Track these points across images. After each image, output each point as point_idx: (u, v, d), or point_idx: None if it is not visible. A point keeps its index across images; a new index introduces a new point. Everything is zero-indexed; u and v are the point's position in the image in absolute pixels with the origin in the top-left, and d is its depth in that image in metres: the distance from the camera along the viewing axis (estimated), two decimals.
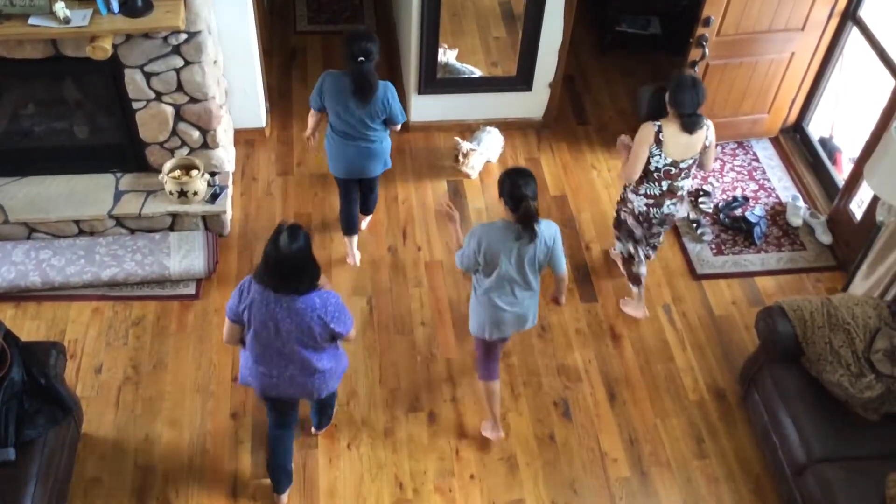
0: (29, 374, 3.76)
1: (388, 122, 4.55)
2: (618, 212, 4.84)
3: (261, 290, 3.33)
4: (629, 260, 4.86)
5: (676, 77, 4.24)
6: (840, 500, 3.71)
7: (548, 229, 3.80)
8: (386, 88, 4.40)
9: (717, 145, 6.06)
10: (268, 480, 4.12)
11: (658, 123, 4.29)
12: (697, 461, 4.36)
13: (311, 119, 4.69)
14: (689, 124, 4.22)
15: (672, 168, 4.35)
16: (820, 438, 3.95)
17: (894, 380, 3.96)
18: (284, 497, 4.05)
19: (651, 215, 4.56)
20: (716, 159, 5.99)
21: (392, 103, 4.44)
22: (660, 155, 4.30)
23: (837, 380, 4.00)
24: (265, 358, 3.50)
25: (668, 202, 4.51)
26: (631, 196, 4.58)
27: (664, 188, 4.43)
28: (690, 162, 4.37)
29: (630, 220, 4.68)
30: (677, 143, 4.28)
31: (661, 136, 4.27)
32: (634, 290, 4.89)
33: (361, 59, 4.17)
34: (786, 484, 4.08)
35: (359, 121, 4.43)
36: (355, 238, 5.10)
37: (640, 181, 4.45)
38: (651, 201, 4.49)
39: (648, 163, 4.35)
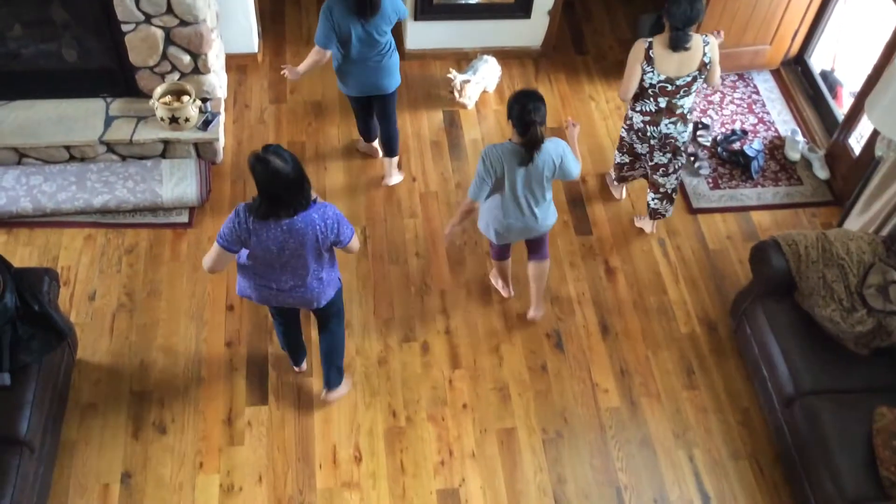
0: (22, 301, 3.75)
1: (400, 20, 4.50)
2: (623, 129, 4.82)
3: (259, 221, 3.31)
4: (621, 167, 4.94)
5: None
6: (827, 432, 3.77)
7: (555, 148, 3.84)
8: None
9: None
10: (264, 406, 4.16)
11: (650, 40, 4.26)
12: (687, 392, 4.41)
13: (313, 57, 4.45)
14: (675, 40, 4.17)
15: (667, 85, 4.32)
16: (809, 371, 3.99)
17: (885, 315, 3.99)
18: (304, 365, 4.32)
19: (648, 133, 4.54)
20: (715, 91, 5.91)
21: (396, 4, 4.37)
22: (652, 71, 4.28)
23: (829, 314, 4.03)
24: (265, 274, 3.55)
25: (665, 121, 4.46)
26: (630, 113, 4.58)
27: (661, 105, 4.40)
28: (688, 80, 4.31)
29: (629, 135, 4.69)
30: (670, 59, 4.24)
31: (651, 53, 4.24)
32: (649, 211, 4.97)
33: None
34: (774, 415, 4.15)
35: (370, 37, 4.34)
36: (376, 141, 5.19)
37: (637, 98, 4.45)
38: (647, 118, 4.48)
39: (643, 80, 4.33)
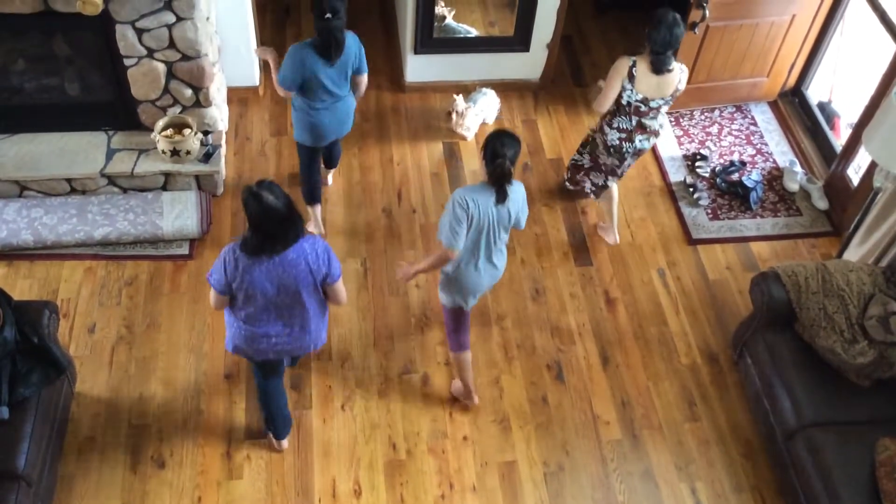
0: (21, 334, 3.74)
1: (356, 74, 4.47)
2: (591, 134, 4.88)
3: (251, 257, 3.29)
4: (578, 169, 5.02)
5: (659, 12, 4.26)
6: (830, 465, 3.74)
7: (519, 190, 3.78)
8: (354, 38, 4.35)
9: (716, 108, 6.03)
10: (262, 441, 4.14)
11: (634, 59, 4.35)
12: (689, 424, 4.39)
13: (282, 94, 4.45)
14: (656, 63, 4.29)
15: (641, 105, 4.41)
16: (811, 403, 3.97)
17: (887, 346, 3.98)
18: (285, 442, 4.10)
19: (623, 150, 4.63)
20: (714, 123, 5.95)
21: (361, 52, 4.39)
22: (631, 90, 4.38)
23: (830, 345, 4.02)
24: (262, 319, 3.47)
25: (639, 137, 4.58)
26: (605, 128, 4.64)
27: (634, 124, 4.50)
28: (661, 103, 4.43)
29: (600, 147, 4.76)
30: (648, 81, 4.34)
31: (633, 71, 4.32)
32: (606, 209, 5.09)
33: (329, 15, 4.09)
34: (776, 448, 4.12)
35: (331, 81, 4.34)
36: (319, 207, 5.01)
37: (614, 114, 4.53)
38: (623, 135, 4.57)
39: (621, 96, 4.42)
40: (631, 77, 4.35)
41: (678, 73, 4.37)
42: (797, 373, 4.07)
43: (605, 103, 4.48)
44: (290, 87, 4.33)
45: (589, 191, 5.10)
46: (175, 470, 4.04)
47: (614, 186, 4.97)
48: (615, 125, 4.57)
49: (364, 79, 4.53)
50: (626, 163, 4.77)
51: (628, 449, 4.27)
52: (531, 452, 4.23)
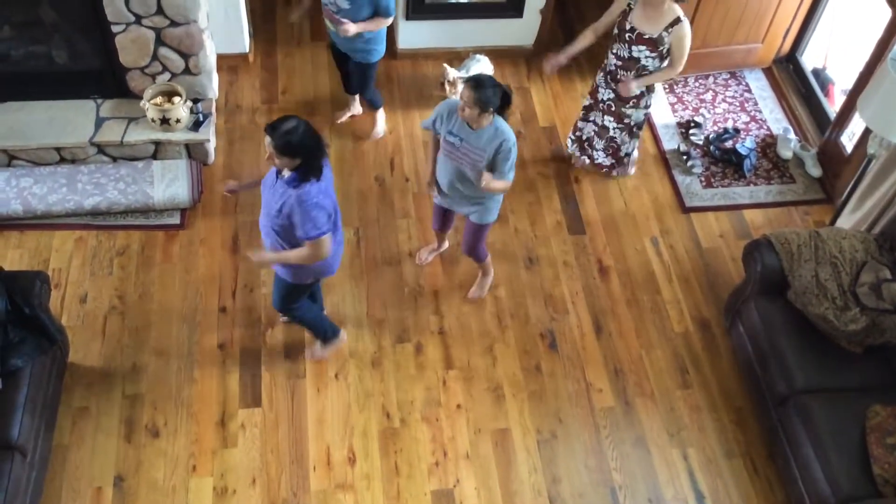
0: (13, 304, 3.73)
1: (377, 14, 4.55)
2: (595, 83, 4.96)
3: (319, 180, 3.47)
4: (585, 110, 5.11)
5: None
6: (821, 430, 3.77)
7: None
8: None
9: (710, 75, 5.99)
10: (256, 408, 4.15)
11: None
12: (681, 391, 4.41)
13: None
14: None
15: (634, 34, 4.49)
16: (803, 370, 3.99)
17: (878, 313, 4.00)
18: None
19: (619, 77, 4.69)
20: (708, 90, 5.92)
21: None
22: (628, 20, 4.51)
23: (822, 313, 4.03)
24: (338, 230, 3.78)
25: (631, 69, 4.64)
26: (608, 55, 4.73)
27: (628, 54, 4.57)
28: (652, 35, 4.45)
29: (598, 79, 4.88)
30: (640, 11, 4.45)
31: (631, 4, 4.49)
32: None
33: None
34: (767, 414, 4.15)
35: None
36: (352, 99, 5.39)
37: (613, 40, 4.62)
38: (619, 62, 4.63)
39: (623, 24, 4.52)
40: (630, 7, 4.48)
41: (669, 14, 4.36)
42: (789, 340, 4.09)
43: (603, 21, 4.62)
44: None
45: (579, 151, 5.22)
46: (169, 439, 4.05)
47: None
48: (614, 50, 4.62)
49: (381, 21, 4.58)
50: (624, 110, 4.85)
51: (621, 416, 4.30)
52: (524, 420, 4.25)
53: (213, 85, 5.31)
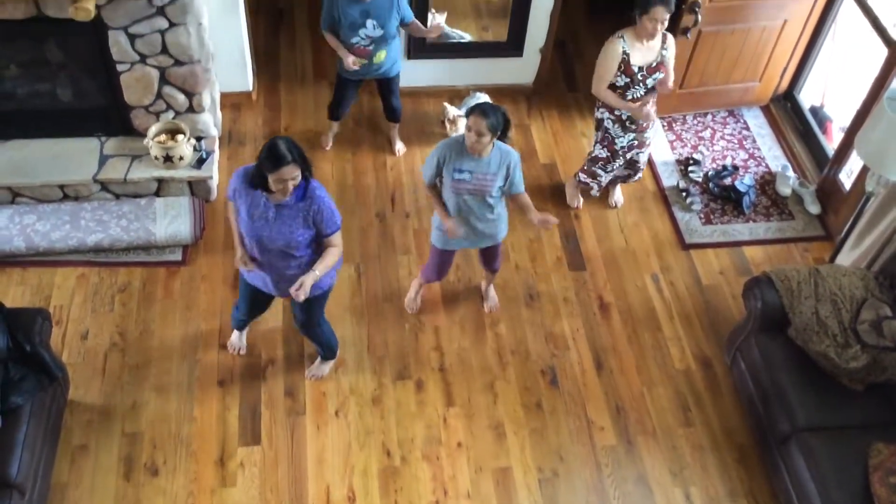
0: (14, 341, 3.73)
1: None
2: (600, 120, 4.94)
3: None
4: (596, 161, 5.09)
5: None
6: (824, 470, 3.75)
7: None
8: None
9: (708, 113, 6.05)
10: (256, 446, 4.13)
11: (621, 34, 4.56)
12: (683, 429, 4.39)
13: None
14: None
15: (644, 71, 4.59)
16: (804, 408, 3.98)
17: (879, 350, 3.99)
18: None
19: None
20: (706, 127, 5.97)
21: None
22: (634, 64, 4.56)
23: (823, 350, 4.03)
24: None
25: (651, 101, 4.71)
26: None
27: (644, 91, 4.67)
28: (655, 61, 4.59)
29: (614, 129, 4.86)
30: (640, 49, 4.54)
31: (626, 49, 4.53)
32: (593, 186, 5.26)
33: None
34: (770, 452, 4.13)
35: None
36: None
37: (627, 87, 4.62)
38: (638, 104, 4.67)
39: (631, 70, 4.55)
40: (626, 55, 4.51)
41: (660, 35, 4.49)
42: (791, 377, 4.08)
43: (602, 84, 4.64)
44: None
45: (596, 185, 5.22)
46: (168, 477, 4.02)
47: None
48: (629, 97, 4.64)
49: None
50: (645, 136, 4.88)
51: (623, 454, 4.28)
52: (525, 458, 4.22)
53: (216, 122, 5.36)
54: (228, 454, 4.12)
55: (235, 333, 4.46)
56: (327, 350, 4.33)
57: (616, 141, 4.90)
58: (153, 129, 4.93)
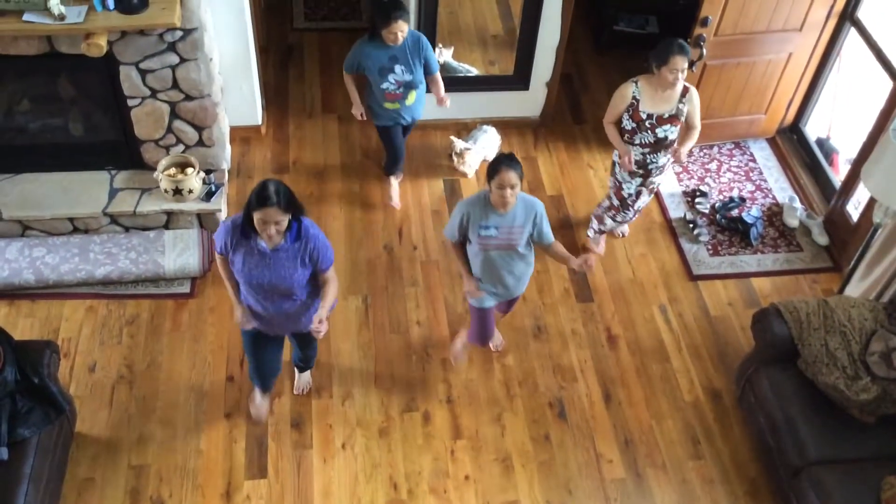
0: (22, 373, 3.74)
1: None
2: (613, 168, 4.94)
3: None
4: (608, 210, 5.10)
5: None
6: (834, 502, 3.70)
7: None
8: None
9: (714, 145, 6.07)
10: (262, 479, 4.11)
11: (636, 80, 4.53)
12: (693, 462, 4.35)
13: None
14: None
15: (653, 119, 4.54)
16: (815, 440, 3.94)
17: (890, 382, 3.96)
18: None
19: (648, 162, 4.68)
20: (713, 160, 5.99)
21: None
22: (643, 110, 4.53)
23: (833, 382, 4.00)
24: None
25: (661, 151, 4.67)
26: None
27: (653, 138, 4.60)
28: (670, 113, 4.53)
29: (620, 175, 4.85)
30: (652, 96, 4.49)
31: (637, 95, 4.49)
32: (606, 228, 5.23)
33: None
34: (781, 486, 4.08)
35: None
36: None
37: (634, 132, 4.58)
38: (647, 150, 4.62)
39: (639, 114, 4.52)
40: (636, 100, 4.48)
41: (679, 87, 4.46)
42: (801, 409, 4.05)
43: (609, 120, 4.65)
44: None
45: (593, 231, 5.24)
46: None
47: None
48: (636, 141, 4.61)
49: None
50: (650, 180, 4.82)
51: (632, 488, 4.23)
52: (534, 492, 4.19)
53: (225, 156, 5.41)
54: (235, 487, 4.10)
55: (258, 395, 4.28)
56: (312, 361, 4.41)
57: (623, 187, 4.87)
58: (163, 163, 4.98)
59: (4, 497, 3.49)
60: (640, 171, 4.75)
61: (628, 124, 4.57)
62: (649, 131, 4.55)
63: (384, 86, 4.78)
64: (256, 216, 3.31)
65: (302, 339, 4.07)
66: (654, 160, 4.67)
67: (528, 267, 4.12)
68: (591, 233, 5.32)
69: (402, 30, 4.57)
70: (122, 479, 4.10)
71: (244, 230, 3.47)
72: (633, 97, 4.49)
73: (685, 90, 4.50)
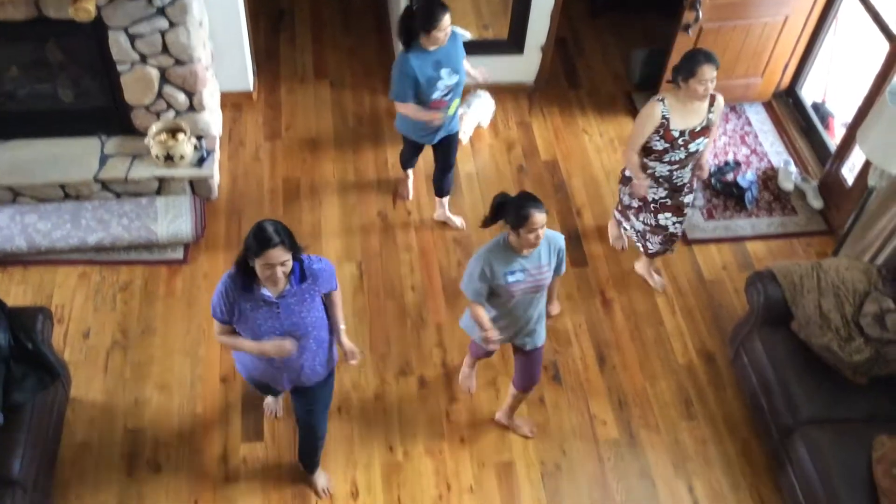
0: (16, 339, 3.73)
1: None
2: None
3: None
4: (628, 209, 4.79)
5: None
6: (827, 462, 3.74)
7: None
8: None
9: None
10: (258, 442, 4.13)
11: (662, 98, 4.20)
12: (686, 423, 4.38)
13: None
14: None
15: (686, 135, 4.27)
16: (808, 401, 3.97)
17: (883, 343, 3.98)
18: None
19: (674, 178, 4.44)
20: None
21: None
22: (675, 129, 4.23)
23: (826, 343, 4.02)
24: None
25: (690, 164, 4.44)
26: (654, 164, 4.38)
27: (685, 154, 4.33)
28: (700, 126, 4.27)
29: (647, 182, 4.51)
30: (682, 112, 4.21)
31: (665, 115, 4.18)
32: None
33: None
34: (773, 446, 4.11)
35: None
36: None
37: (665, 151, 4.30)
38: (675, 166, 4.38)
39: (671, 134, 4.23)
40: (666, 119, 4.19)
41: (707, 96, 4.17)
42: (794, 371, 4.07)
43: (632, 149, 4.36)
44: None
45: (623, 230, 5.05)
46: (171, 474, 4.02)
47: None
48: (666, 159, 4.34)
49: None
50: (683, 199, 4.56)
51: (625, 448, 4.27)
52: (528, 453, 4.22)
53: (216, 122, 5.37)
54: (231, 450, 4.12)
55: (269, 397, 4.19)
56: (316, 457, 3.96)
57: (647, 192, 4.55)
58: (154, 129, 4.94)
59: (1, 462, 3.50)
60: (666, 184, 4.49)
61: (659, 144, 4.26)
62: (682, 148, 4.26)
63: (435, 95, 4.38)
64: (259, 262, 3.00)
65: (310, 402, 3.67)
66: (680, 176, 4.44)
67: (542, 310, 3.81)
68: (617, 237, 5.16)
69: (449, 25, 4.21)
70: (118, 443, 4.12)
71: (244, 284, 3.14)
72: (663, 116, 4.17)
73: (712, 98, 4.22)
